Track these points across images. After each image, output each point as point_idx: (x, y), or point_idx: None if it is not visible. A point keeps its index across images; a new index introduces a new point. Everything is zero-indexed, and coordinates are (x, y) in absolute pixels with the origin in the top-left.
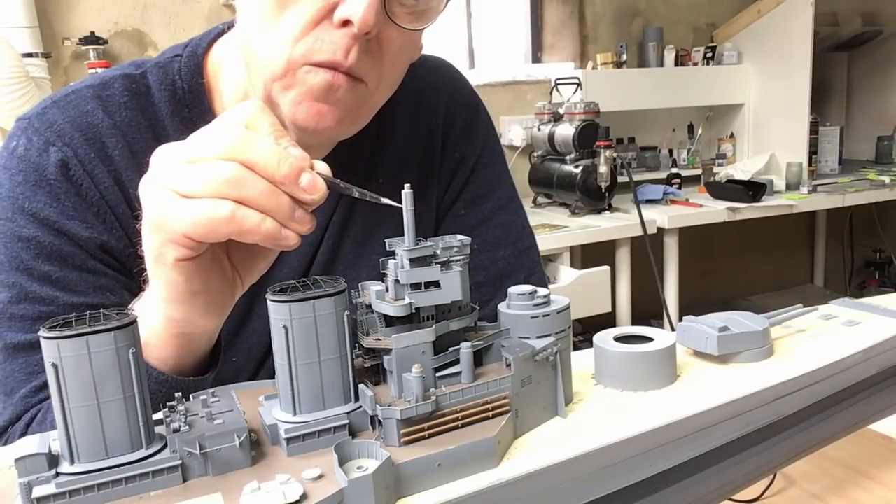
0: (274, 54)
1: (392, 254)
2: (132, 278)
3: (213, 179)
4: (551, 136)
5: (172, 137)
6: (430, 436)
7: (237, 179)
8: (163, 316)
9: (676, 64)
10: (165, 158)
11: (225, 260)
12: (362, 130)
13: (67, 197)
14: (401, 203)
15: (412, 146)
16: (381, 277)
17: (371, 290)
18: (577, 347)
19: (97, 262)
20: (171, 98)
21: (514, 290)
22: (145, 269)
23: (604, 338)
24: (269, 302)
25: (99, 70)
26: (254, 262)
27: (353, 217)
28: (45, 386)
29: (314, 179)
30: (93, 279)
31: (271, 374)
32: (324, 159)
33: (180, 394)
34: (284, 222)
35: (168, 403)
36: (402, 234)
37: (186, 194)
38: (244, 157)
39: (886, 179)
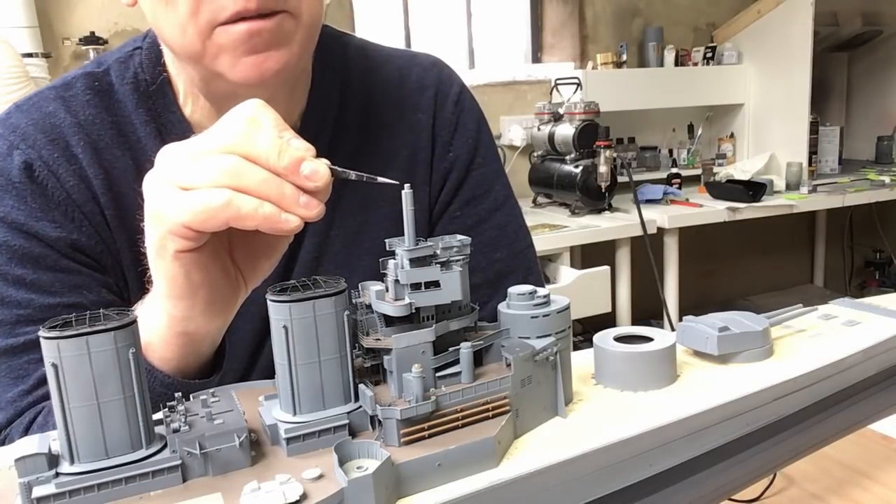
0: (184, 37)
1: (392, 254)
2: (107, 274)
3: (213, 170)
4: (551, 136)
5: (139, 130)
6: (430, 436)
7: (236, 170)
8: (165, 314)
9: (676, 64)
10: (169, 156)
11: (227, 257)
12: (348, 126)
13: (34, 198)
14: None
15: (398, 144)
16: (377, 277)
17: (371, 290)
18: (577, 347)
19: (69, 262)
20: (135, 91)
21: (513, 290)
22: (148, 269)
23: (604, 338)
24: (269, 302)
25: None
26: (256, 262)
27: (337, 215)
28: (32, 389)
29: (316, 167)
30: (67, 278)
31: (263, 373)
32: None
33: (180, 394)
34: (289, 208)
35: (168, 403)
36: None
37: (186, 186)
38: (244, 150)
39: (886, 179)
